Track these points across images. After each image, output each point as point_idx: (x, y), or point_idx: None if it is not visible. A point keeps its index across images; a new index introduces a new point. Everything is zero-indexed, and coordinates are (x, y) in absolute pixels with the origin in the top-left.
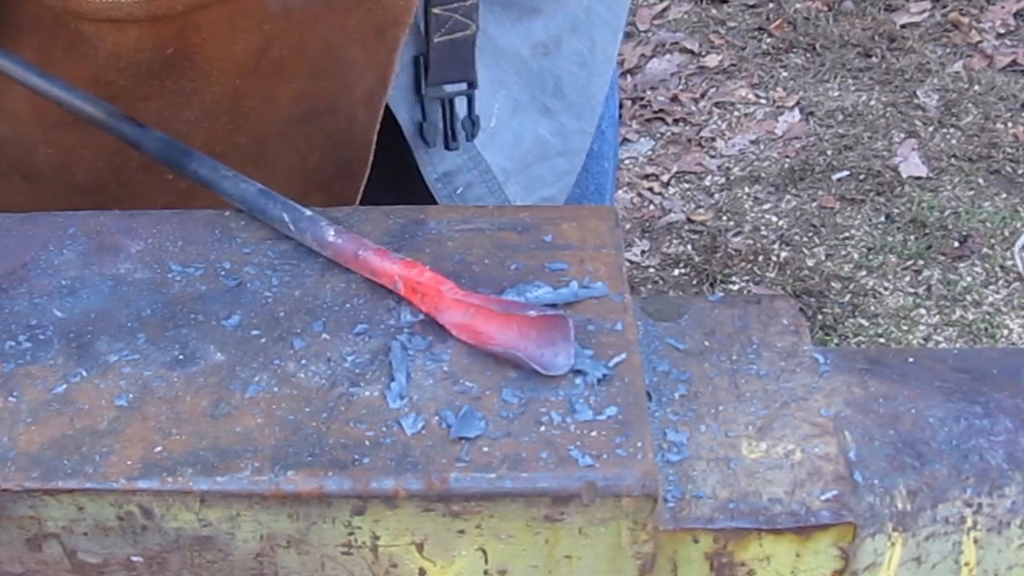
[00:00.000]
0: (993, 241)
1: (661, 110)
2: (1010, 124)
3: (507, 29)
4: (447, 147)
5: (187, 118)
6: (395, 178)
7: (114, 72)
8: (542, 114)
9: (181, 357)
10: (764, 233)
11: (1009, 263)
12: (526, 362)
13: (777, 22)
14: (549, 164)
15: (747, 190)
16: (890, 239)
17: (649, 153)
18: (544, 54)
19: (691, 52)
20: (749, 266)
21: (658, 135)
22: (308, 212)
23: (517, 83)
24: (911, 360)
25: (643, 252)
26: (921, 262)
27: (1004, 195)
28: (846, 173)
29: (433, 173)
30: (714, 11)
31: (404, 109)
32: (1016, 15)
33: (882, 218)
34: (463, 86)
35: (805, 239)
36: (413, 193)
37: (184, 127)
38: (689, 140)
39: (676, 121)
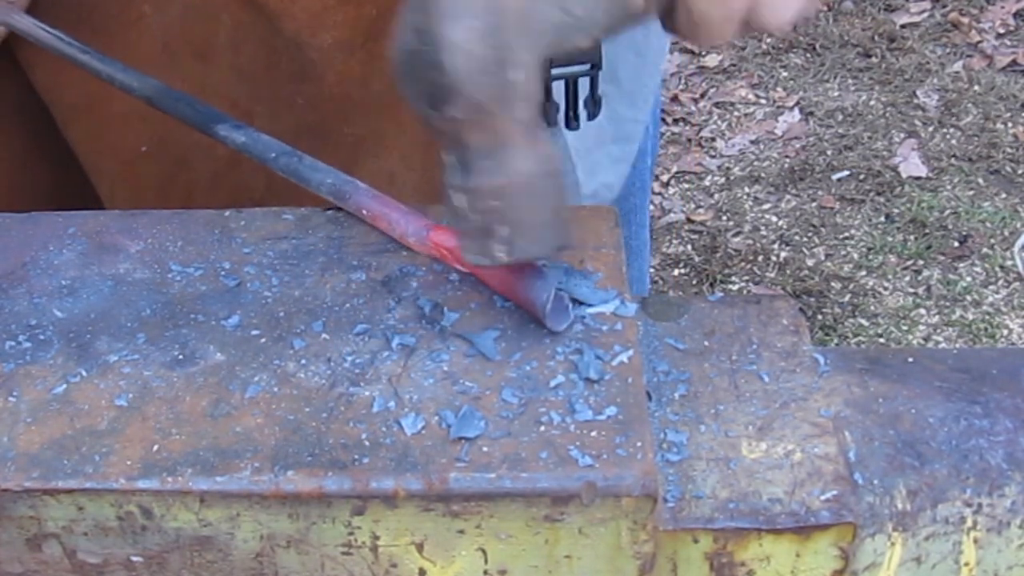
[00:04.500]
0: (993, 241)
1: (661, 110)
2: (1010, 124)
3: None
4: (568, 126)
5: (320, 44)
6: None
7: None
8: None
9: (181, 357)
10: (764, 233)
11: (1009, 263)
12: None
13: None
14: (605, 151)
15: (747, 190)
16: (890, 239)
17: None
18: None
19: (691, 52)
20: (749, 266)
21: (658, 135)
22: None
23: None
24: (911, 360)
25: None
26: (921, 262)
27: (1004, 195)
28: (846, 173)
29: None
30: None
31: None
32: (1016, 15)
33: (882, 218)
34: (586, 67)
35: (805, 239)
36: None
37: (318, 55)
38: (689, 140)
39: (676, 121)
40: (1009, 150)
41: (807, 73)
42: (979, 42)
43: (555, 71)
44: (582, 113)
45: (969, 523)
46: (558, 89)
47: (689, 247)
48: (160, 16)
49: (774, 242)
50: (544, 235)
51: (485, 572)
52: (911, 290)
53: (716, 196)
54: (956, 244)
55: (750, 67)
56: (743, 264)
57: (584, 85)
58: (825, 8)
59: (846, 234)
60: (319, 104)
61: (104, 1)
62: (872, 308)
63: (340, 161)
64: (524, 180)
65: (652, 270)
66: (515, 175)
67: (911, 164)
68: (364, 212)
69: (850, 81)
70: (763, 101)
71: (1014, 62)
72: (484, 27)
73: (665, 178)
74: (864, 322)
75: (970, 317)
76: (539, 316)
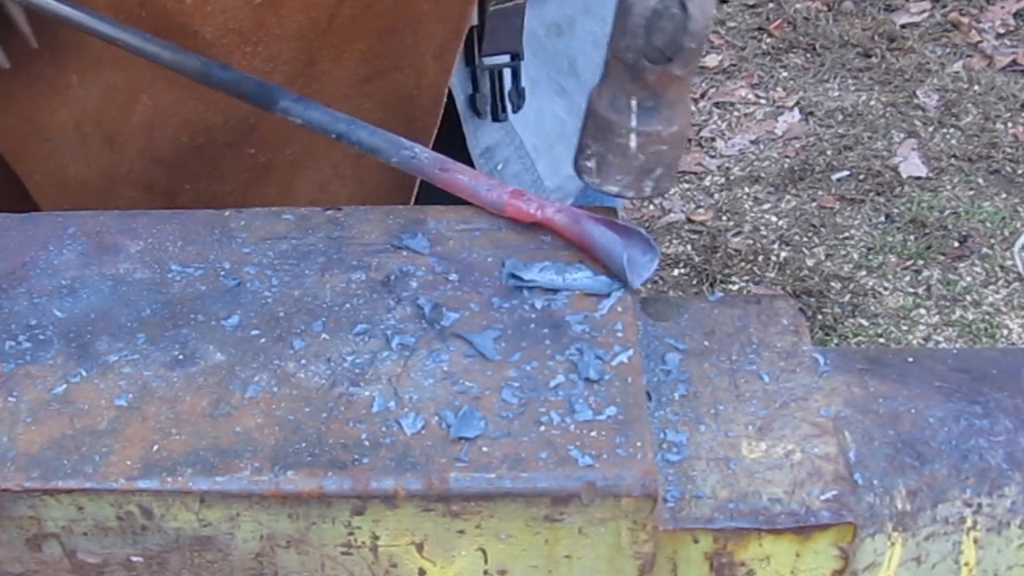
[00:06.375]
0: (993, 241)
1: None
2: (1010, 124)
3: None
4: (495, 118)
5: (276, 83)
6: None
7: (210, 28)
8: (558, 94)
9: (181, 357)
10: (764, 233)
11: (1009, 263)
12: (621, 266)
13: (777, 22)
14: (566, 144)
15: (747, 190)
16: (890, 239)
17: None
18: (558, 34)
19: None
20: (749, 266)
21: None
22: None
23: (533, 63)
24: (911, 360)
25: None
26: (921, 262)
27: (1004, 195)
28: (846, 173)
29: (477, 148)
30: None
31: (456, 80)
32: (1016, 15)
33: (882, 218)
34: (507, 58)
35: (805, 239)
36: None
37: None
38: (689, 140)
39: None
40: (1009, 150)
41: (807, 73)
42: (979, 42)
43: (483, 62)
44: (508, 105)
45: (969, 523)
46: (486, 82)
47: (689, 247)
48: (83, 91)
49: (774, 242)
50: (672, 177)
51: (485, 572)
52: (911, 290)
53: (716, 196)
54: (956, 244)
55: (750, 67)
56: (743, 264)
57: (508, 77)
58: (825, 8)
59: (846, 234)
60: (262, 147)
61: (43, 57)
62: (872, 308)
63: (279, 181)
64: (684, 129)
65: None
66: (682, 124)
67: (911, 164)
68: (436, 179)
69: (850, 81)
70: (763, 101)
71: (1014, 62)
72: None
73: None
74: (864, 322)
75: (970, 317)
76: (618, 272)
